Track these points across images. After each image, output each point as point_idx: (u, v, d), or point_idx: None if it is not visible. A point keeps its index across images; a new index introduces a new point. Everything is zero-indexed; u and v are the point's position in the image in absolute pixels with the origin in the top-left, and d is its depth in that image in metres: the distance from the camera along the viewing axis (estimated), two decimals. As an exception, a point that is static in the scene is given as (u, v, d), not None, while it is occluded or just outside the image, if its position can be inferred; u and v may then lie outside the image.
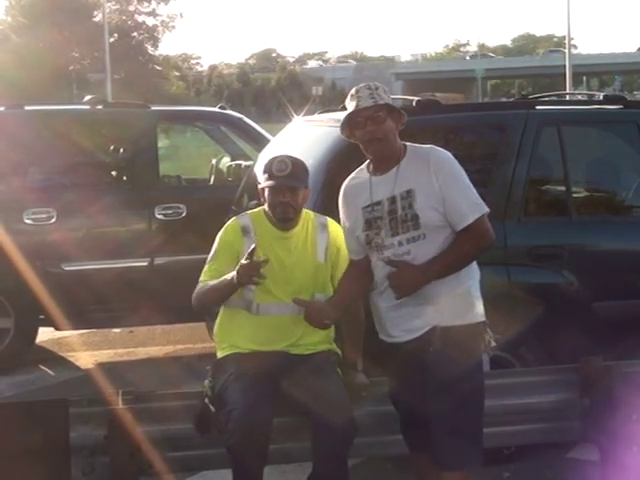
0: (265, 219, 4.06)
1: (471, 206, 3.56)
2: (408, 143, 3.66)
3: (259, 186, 4.05)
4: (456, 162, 3.61)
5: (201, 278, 4.02)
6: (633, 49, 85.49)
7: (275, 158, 4.02)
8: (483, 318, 3.65)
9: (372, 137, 3.55)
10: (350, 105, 3.61)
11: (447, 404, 3.51)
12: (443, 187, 3.52)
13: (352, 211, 3.71)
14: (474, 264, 3.68)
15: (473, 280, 3.65)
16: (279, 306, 4.00)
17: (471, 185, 3.60)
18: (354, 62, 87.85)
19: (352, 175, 3.78)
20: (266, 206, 4.03)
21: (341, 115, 5.30)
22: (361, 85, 3.63)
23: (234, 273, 3.78)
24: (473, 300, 3.62)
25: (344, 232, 3.83)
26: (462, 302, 3.59)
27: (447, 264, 3.54)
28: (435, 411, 3.54)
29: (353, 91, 3.62)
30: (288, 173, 3.92)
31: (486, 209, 3.59)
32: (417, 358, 3.58)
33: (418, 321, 3.58)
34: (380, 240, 3.61)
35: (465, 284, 3.60)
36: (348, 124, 3.63)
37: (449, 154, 3.63)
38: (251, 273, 3.73)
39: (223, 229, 4.11)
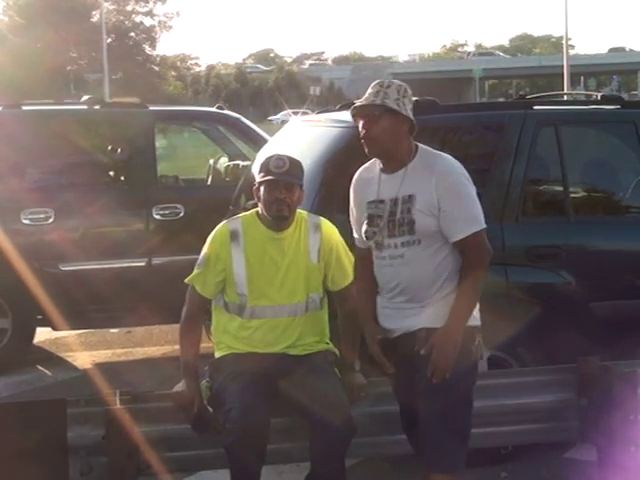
0: (258, 221, 4.03)
1: (468, 220, 3.51)
2: (421, 145, 3.64)
3: (255, 183, 4.02)
4: (462, 172, 3.57)
5: (189, 279, 4.05)
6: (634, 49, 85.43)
7: (272, 156, 4.02)
8: (476, 323, 3.61)
9: (364, 135, 3.56)
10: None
11: (434, 405, 3.49)
12: (442, 199, 3.48)
13: (360, 202, 3.72)
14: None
15: None
16: (274, 309, 3.99)
17: (474, 197, 3.56)
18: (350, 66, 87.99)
19: (365, 166, 3.77)
20: (260, 206, 4.01)
21: (339, 115, 5.32)
22: (376, 81, 3.62)
23: (183, 387, 3.90)
24: None
25: (352, 220, 3.80)
26: (449, 305, 3.54)
27: (465, 309, 3.51)
28: (423, 412, 3.54)
29: (372, 84, 3.64)
30: (285, 170, 3.92)
31: (483, 225, 3.54)
32: (409, 358, 3.58)
33: (408, 320, 3.59)
34: (379, 238, 3.61)
35: (455, 286, 3.55)
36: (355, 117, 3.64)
37: (456, 164, 3.59)
38: (183, 408, 3.89)
39: (213, 233, 4.10)
